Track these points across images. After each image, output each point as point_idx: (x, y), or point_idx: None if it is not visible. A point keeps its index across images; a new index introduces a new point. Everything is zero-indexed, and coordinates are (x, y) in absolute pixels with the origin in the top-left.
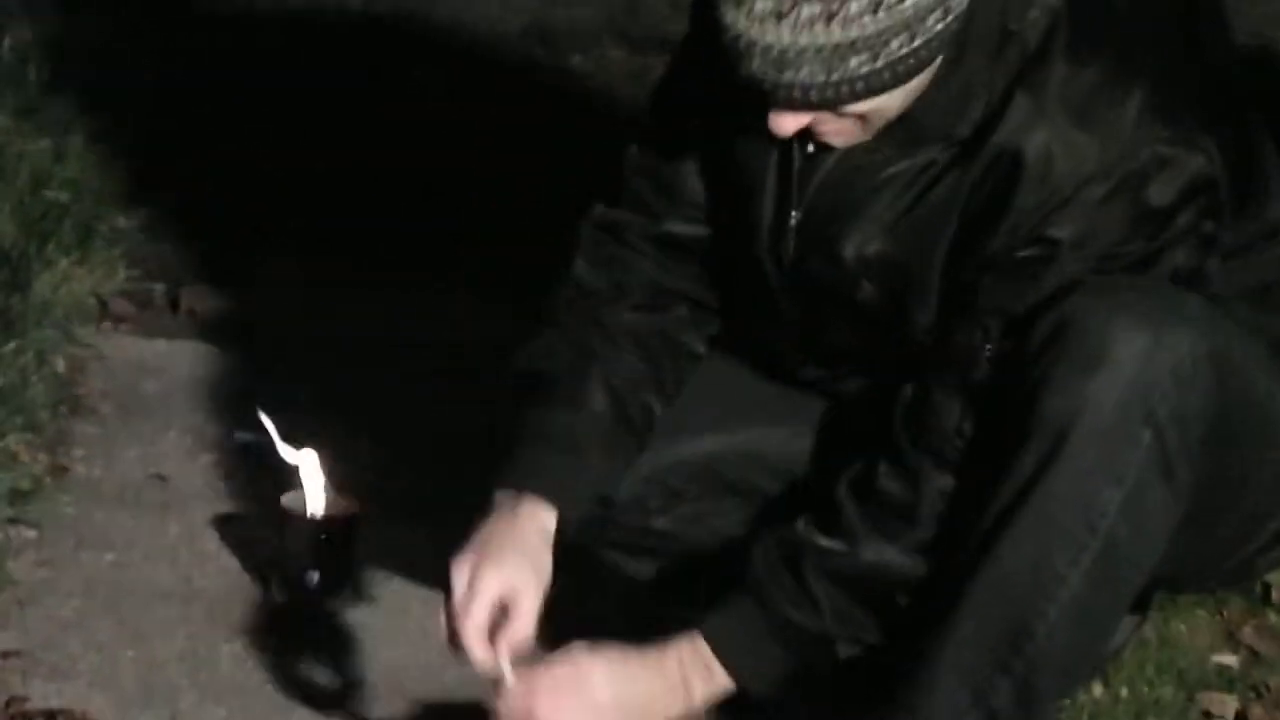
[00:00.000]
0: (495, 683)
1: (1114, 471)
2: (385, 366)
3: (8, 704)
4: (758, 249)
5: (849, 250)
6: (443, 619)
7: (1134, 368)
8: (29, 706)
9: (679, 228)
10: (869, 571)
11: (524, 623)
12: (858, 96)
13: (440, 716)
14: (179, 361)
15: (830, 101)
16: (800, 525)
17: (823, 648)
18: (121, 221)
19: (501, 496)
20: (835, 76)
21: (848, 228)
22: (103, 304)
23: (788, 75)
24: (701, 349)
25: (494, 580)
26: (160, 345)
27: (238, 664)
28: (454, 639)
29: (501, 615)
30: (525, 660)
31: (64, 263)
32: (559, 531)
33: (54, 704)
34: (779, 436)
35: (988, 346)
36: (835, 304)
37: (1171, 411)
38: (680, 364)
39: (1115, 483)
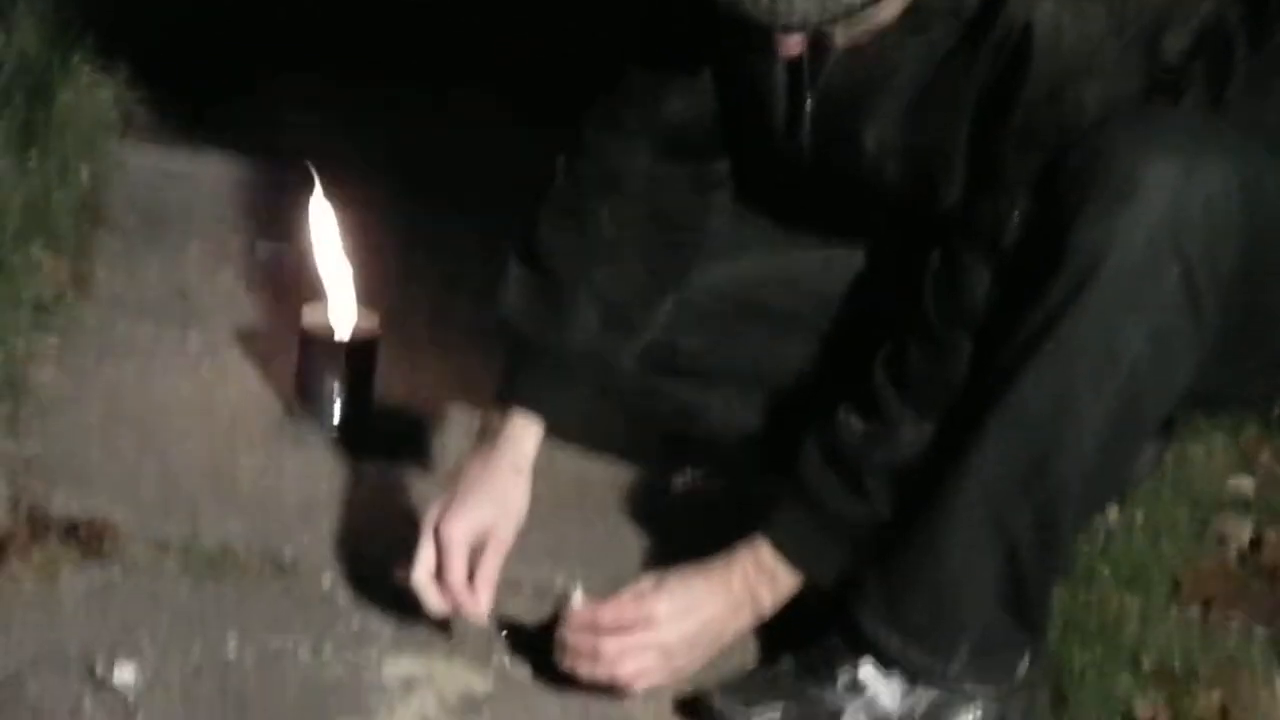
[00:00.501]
0: (560, 609)
1: (1141, 305)
2: (411, 178)
3: (29, 512)
4: (773, 138)
5: (869, 139)
6: (418, 565)
7: (1165, 201)
8: (49, 515)
9: (680, 116)
10: (912, 451)
11: (491, 565)
12: (856, 14)
13: None
14: (202, 173)
15: (830, 23)
16: (840, 416)
17: (879, 530)
18: (145, 33)
19: (489, 418)
20: (830, 8)
21: (865, 115)
22: (126, 115)
23: (782, 17)
24: (715, 222)
25: (459, 534)
26: (183, 157)
27: (257, 478)
28: (414, 583)
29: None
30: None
31: (87, 74)
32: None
33: (74, 513)
34: (809, 260)
35: (1015, 214)
36: (859, 186)
37: (1201, 245)
38: (686, 249)
39: (1142, 316)
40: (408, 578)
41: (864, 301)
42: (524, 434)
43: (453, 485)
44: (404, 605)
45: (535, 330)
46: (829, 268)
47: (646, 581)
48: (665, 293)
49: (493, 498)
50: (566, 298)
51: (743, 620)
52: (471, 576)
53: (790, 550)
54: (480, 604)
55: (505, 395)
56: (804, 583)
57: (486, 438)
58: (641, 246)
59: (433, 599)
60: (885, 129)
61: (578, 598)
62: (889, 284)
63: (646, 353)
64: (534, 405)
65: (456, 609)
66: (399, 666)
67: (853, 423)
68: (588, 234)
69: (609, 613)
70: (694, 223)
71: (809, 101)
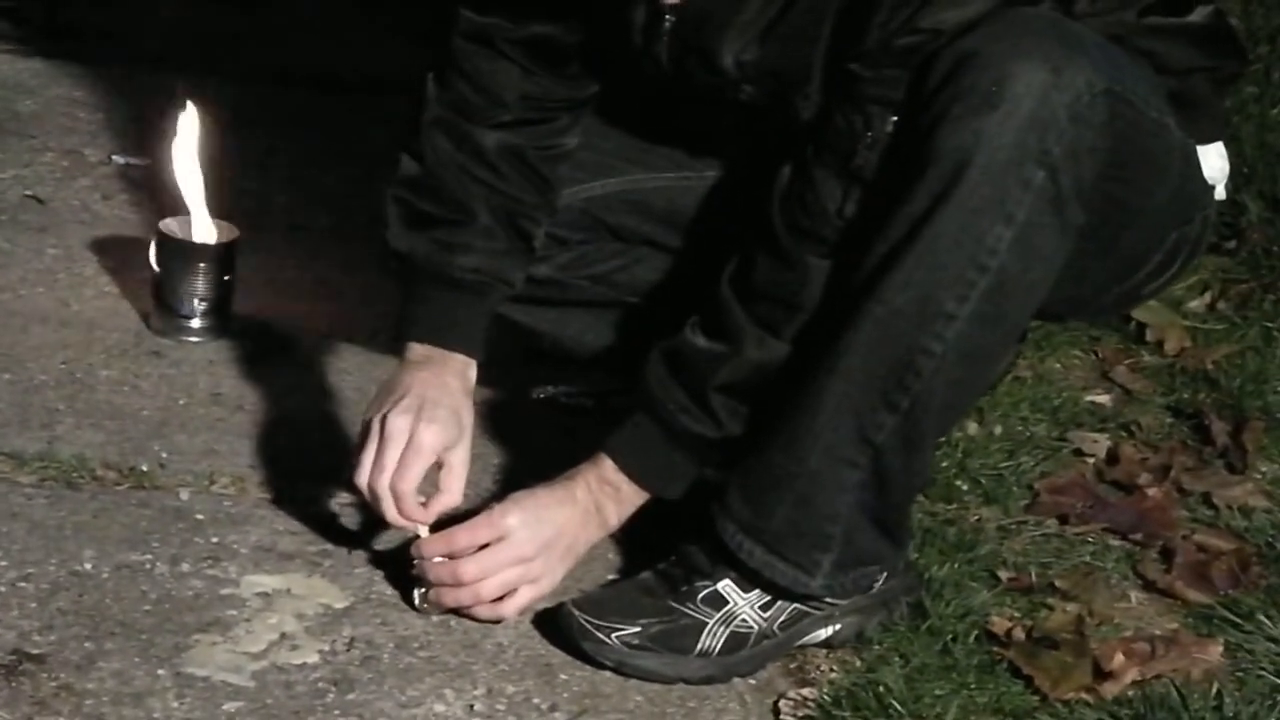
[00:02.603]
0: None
1: (1005, 210)
2: (269, 88)
3: None
4: (632, 52)
5: (727, 58)
6: (365, 470)
7: (1031, 105)
8: None
9: (547, 28)
10: (757, 369)
11: (458, 479)
12: None
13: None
14: (56, 81)
15: None
16: (687, 331)
17: (723, 444)
18: None
19: (420, 348)
20: None
21: (722, 35)
22: None
23: None
24: (576, 141)
25: (433, 439)
26: (37, 64)
27: (115, 389)
28: (372, 484)
29: (434, 470)
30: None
31: None
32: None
33: None
34: (661, 182)
35: (869, 134)
36: (716, 102)
37: (1066, 150)
38: (559, 167)
39: (1006, 222)
40: (369, 480)
41: (717, 223)
42: (467, 364)
43: (406, 392)
44: (260, 519)
45: (446, 263)
46: (680, 190)
47: (494, 506)
48: (551, 214)
49: (456, 415)
50: (471, 221)
51: (591, 532)
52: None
53: (630, 464)
54: (431, 517)
55: (434, 339)
56: (650, 496)
57: (430, 360)
58: (525, 171)
59: (390, 509)
60: (742, 51)
61: (424, 528)
62: (741, 205)
63: None
64: (470, 348)
65: (405, 516)
66: (257, 581)
67: (698, 340)
68: (474, 161)
69: (463, 536)
70: (567, 145)
71: (667, 20)
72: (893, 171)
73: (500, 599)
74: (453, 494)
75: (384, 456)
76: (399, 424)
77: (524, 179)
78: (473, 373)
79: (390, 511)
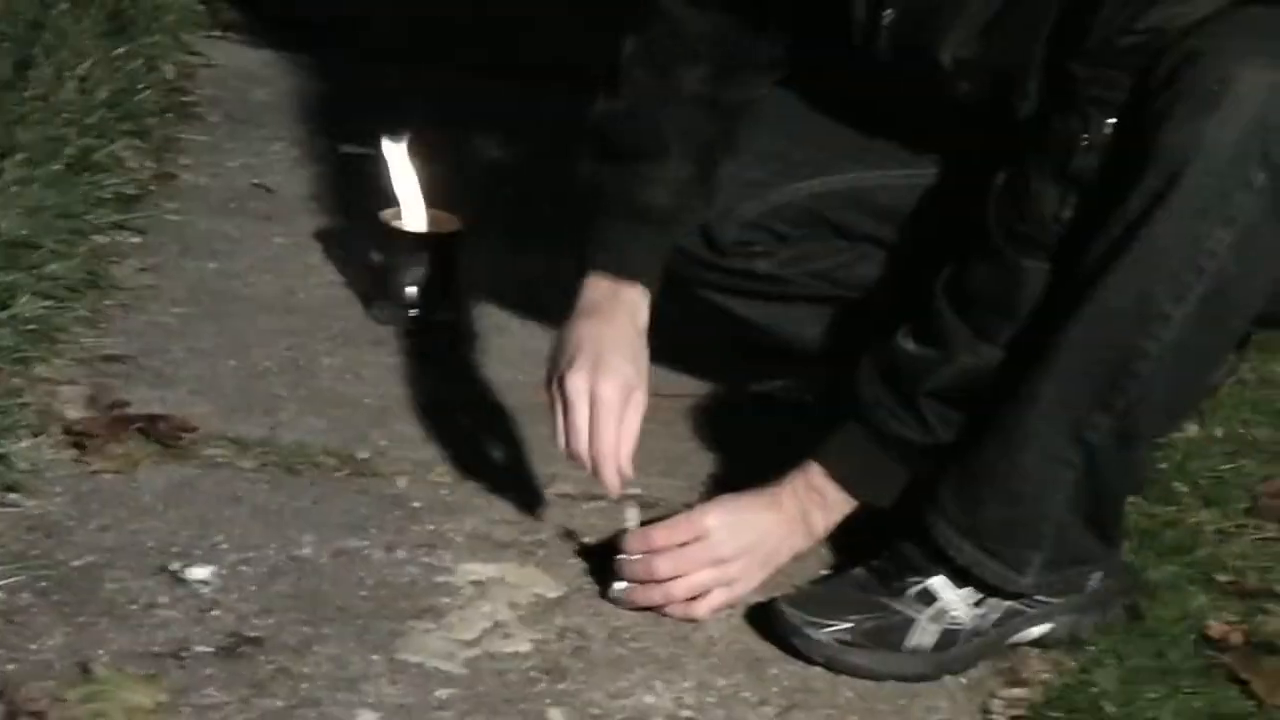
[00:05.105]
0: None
1: (1225, 212)
2: (501, 85)
3: (110, 407)
4: (851, 49)
5: (946, 54)
6: (560, 431)
7: (1254, 107)
8: (130, 411)
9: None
10: (968, 374)
11: (634, 423)
12: None
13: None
14: (288, 72)
15: None
16: (898, 338)
17: (933, 450)
18: None
19: (596, 282)
20: None
21: (943, 30)
22: (213, 11)
23: None
24: (763, 94)
25: (614, 392)
26: (269, 55)
27: (338, 376)
28: (572, 450)
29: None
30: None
31: None
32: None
33: (155, 409)
34: (883, 179)
35: (1085, 136)
36: (932, 99)
37: None
38: (744, 118)
39: (1226, 223)
40: (569, 449)
41: (938, 222)
42: (641, 302)
43: (578, 349)
44: (476, 507)
45: (633, 194)
46: (905, 189)
47: (696, 507)
48: (733, 159)
49: (630, 357)
50: (661, 153)
51: (796, 540)
52: None
53: (839, 472)
54: (626, 465)
55: (614, 269)
56: (858, 504)
57: (600, 305)
58: (717, 115)
59: (611, 473)
60: (962, 46)
61: (633, 518)
62: (964, 205)
63: (719, 279)
64: (647, 280)
65: (601, 471)
66: (472, 569)
67: (909, 346)
68: (670, 99)
69: (661, 533)
70: (755, 91)
71: (888, 13)
72: (1111, 174)
73: (695, 599)
74: (626, 434)
75: (574, 420)
76: (577, 384)
77: (713, 123)
78: (645, 310)
79: (608, 473)
